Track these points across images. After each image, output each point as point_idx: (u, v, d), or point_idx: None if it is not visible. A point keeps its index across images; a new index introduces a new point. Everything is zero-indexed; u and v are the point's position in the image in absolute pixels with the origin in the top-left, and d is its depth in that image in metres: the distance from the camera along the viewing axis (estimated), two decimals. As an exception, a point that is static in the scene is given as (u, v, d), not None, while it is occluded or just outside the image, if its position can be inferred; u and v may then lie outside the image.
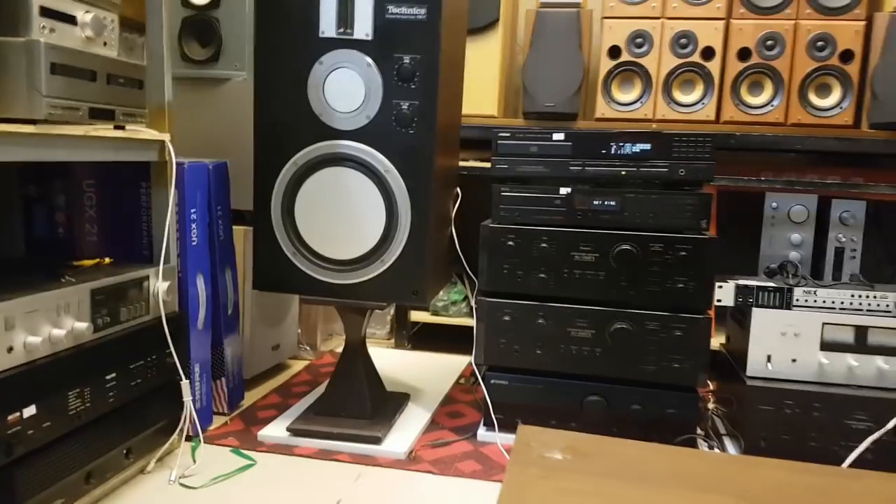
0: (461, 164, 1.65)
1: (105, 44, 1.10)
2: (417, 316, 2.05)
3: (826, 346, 1.28)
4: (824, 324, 1.28)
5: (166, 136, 1.22)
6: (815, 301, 1.31)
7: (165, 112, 1.23)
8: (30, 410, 0.94)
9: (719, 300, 1.32)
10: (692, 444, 1.29)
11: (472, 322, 1.97)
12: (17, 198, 1.38)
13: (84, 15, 1.05)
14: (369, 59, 1.24)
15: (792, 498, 0.91)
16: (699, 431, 1.33)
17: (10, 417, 0.90)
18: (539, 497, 0.90)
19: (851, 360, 1.27)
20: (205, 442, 1.32)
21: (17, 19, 0.95)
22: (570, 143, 1.32)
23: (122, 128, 1.13)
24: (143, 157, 1.20)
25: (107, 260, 1.23)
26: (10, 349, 0.91)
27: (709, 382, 1.46)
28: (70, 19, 1.02)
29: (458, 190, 1.50)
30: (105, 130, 1.08)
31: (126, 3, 1.15)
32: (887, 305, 1.28)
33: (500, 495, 0.92)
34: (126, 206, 1.32)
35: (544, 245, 1.32)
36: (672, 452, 1.08)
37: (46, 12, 0.98)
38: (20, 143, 0.94)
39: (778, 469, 1.00)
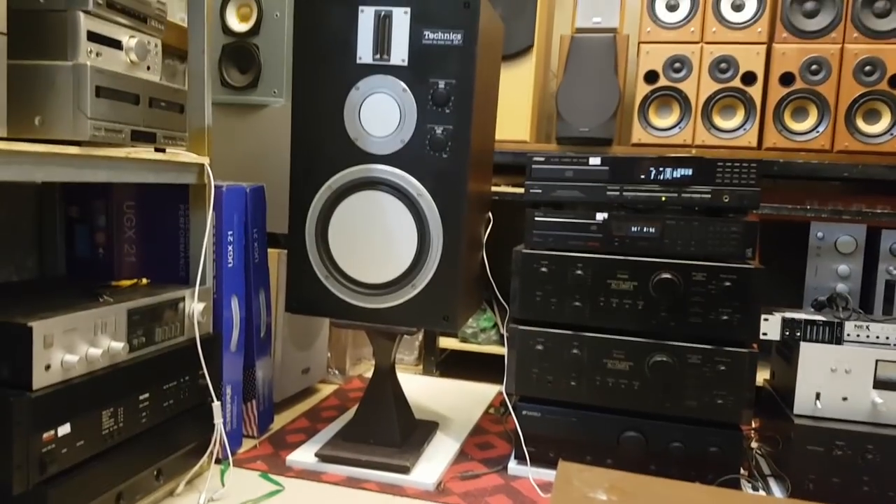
0: (493, 189, 1.64)
1: (148, 68, 1.13)
2: (446, 342, 2.02)
3: (880, 384, 1.22)
4: (878, 361, 1.22)
5: (206, 160, 1.24)
6: (868, 336, 1.25)
7: (205, 136, 1.25)
8: (64, 429, 0.94)
9: (765, 333, 1.27)
10: (735, 484, 1.23)
11: (501, 350, 1.96)
12: (59, 218, 1.41)
13: (129, 40, 1.07)
14: (405, 85, 1.25)
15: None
16: (742, 472, 1.27)
17: (45, 435, 0.91)
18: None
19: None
20: (234, 465, 1.31)
21: (66, 43, 0.98)
22: (607, 168, 1.30)
23: (163, 150, 1.15)
24: (183, 180, 1.21)
25: (144, 281, 1.24)
26: (48, 367, 0.92)
27: (752, 420, 1.39)
28: (115, 44, 1.05)
29: (490, 215, 1.48)
30: (146, 153, 1.10)
31: (168, 30, 1.18)
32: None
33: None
34: (164, 227, 1.34)
35: (579, 272, 1.29)
36: (720, 495, 1.03)
37: (93, 37, 1.00)
38: (65, 163, 0.96)
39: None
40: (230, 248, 1.33)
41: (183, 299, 1.19)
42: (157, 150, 1.14)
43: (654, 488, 1.06)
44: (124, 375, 1.05)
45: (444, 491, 1.25)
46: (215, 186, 1.25)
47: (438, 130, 1.24)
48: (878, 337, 1.24)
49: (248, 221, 1.38)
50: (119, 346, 1.03)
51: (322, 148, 1.29)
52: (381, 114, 1.26)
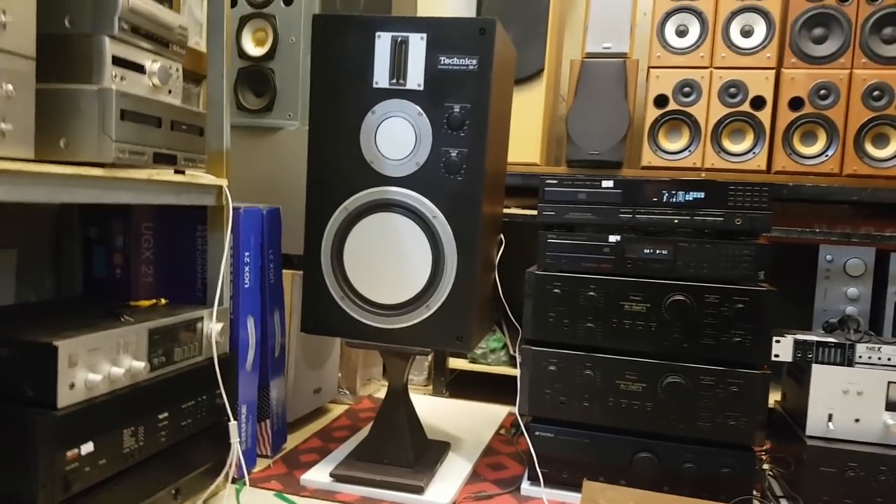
0: (504, 211, 1.66)
1: (170, 92, 1.15)
2: (455, 363, 2.03)
3: (892, 405, 1.22)
4: (890, 382, 1.23)
5: (224, 182, 1.26)
6: (880, 358, 1.25)
7: (223, 158, 1.27)
8: (87, 447, 0.95)
9: (777, 355, 1.28)
10: (749, 506, 1.23)
11: (510, 371, 1.96)
12: (78, 239, 1.43)
13: (152, 64, 1.09)
14: (420, 109, 1.27)
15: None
16: (755, 493, 1.27)
17: (69, 453, 0.92)
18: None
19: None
20: (249, 485, 1.31)
21: (91, 67, 0.99)
22: (619, 191, 1.32)
23: (183, 172, 1.16)
24: (202, 202, 1.23)
25: (163, 301, 1.25)
26: (72, 386, 0.93)
27: (765, 442, 1.40)
28: (139, 68, 1.07)
29: (502, 237, 1.50)
30: (167, 175, 1.12)
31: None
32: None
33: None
34: (182, 248, 1.35)
35: (592, 294, 1.30)
36: None
37: (118, 61, 1.02)
38: (89, 185, 0.97)
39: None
40: (247, 268, 1.35)
41: (201, 319, 1.20)
42: (177, 172, 1.15)
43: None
44: (145, 394, 1.06)
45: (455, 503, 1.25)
46: (233, 208, 1.27)
47: (453, 153, 1.26)
48: (889, 359, 1.25)
49: (264, 243, 1.40)
50: (140, 365, 1.04)
51: (338, 170, 1.31)
52: (397, 137, 1.28)
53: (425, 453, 1.43)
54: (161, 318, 1.11)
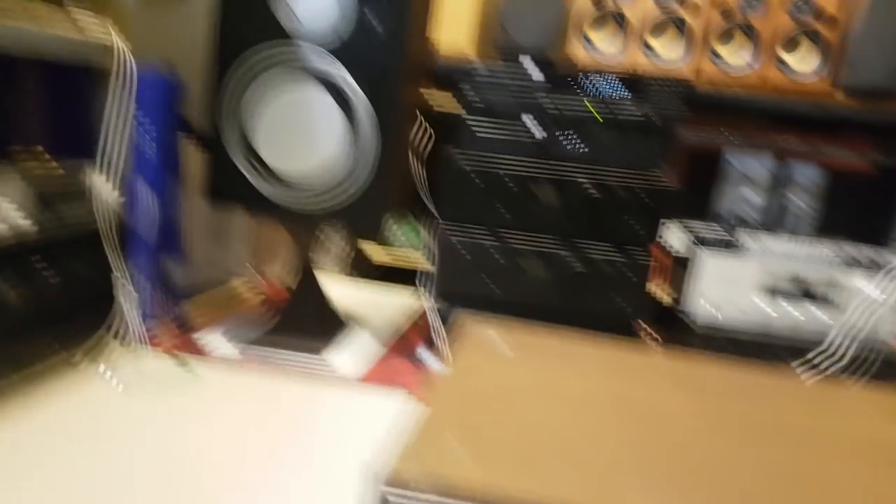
0: (429, 100, 1.61)
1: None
2: (369, 247, 2.01)
3: (771, 293, 1.33)
4: (769, 272, 1.32)
5: (121, 38, 1.16)
6: (762, 249, 1.34)
7: (122, 14, 1.17)
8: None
9: (667, 242, 1.36)
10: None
11: (424, 259, 1.97)
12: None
13: None
14: (342, -29, 1.19)
15: (738, 390, 0.95)
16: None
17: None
18: (482, 387, 0.89)
19: (795, 310, 1.31)
20: (145, 350, 1.29)
21: None
22: (542, 81, 1.32)
23: (77, 25, 1.06)
24: (98, 59, 1.14)
25: (50, 159, 1.17)
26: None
27: (653, 326, 1.49)
28: None
29: (428, 126, 1.47)
30: (61, 27, 1.02)
31: None
32: (834, 257, 1.32)
33: (442, 380, 0.91)
34: (79, 109, 1.26)
35: (506, 179, 1.32)
36: (617, 346, 1.09)
37: None
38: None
39: (724, 366, 1.03)
40: (145, 134, 1.26)
41: (95, 182, 1.14)
42: (70, 23, 1.05)
43: (555, 339, 1.12)
44: (29, 249, 1.02)
45: (365, 377, 1.28)
46: (133, 70, 1.17)
47: (376, 24, 1.20)
48: (771, 250, 1.34)
49: (165, 108, 1.31)
50: (26, 221, 0.99)
51: (249, 32, 1.23)
52: (316, 2, 1.20)
53: (334, 328, 1.44)
54: (51, 175, 1.05)
